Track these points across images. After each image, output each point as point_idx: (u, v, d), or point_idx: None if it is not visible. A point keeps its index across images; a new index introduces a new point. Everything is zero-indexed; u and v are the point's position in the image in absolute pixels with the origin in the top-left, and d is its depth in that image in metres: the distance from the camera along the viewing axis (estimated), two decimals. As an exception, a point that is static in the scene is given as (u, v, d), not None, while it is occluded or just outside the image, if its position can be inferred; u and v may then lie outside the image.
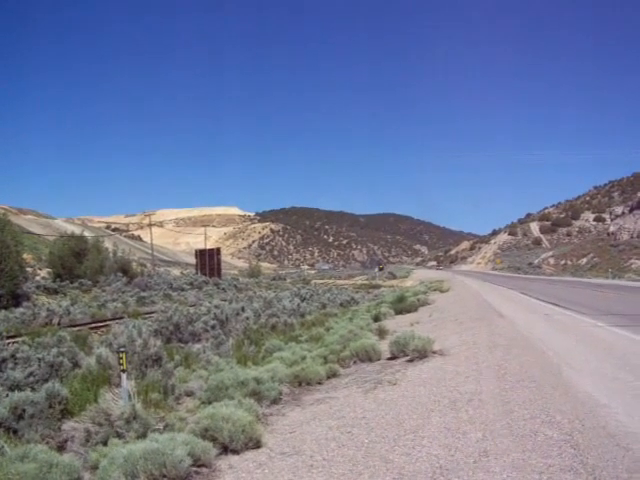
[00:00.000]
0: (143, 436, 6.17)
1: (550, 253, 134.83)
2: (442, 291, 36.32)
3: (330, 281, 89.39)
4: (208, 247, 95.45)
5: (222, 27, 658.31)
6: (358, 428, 6.23)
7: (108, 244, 63.11)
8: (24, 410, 7.34)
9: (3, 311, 26.39)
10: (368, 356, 11.04)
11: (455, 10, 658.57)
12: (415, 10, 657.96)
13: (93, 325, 22.62)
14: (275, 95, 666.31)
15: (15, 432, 7.15)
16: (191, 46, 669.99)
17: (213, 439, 5.82)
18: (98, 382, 8.94)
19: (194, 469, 5.23)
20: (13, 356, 10.91)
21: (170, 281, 55.32)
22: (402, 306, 22.85)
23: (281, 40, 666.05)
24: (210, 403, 7.32)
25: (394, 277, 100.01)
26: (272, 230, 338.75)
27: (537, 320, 15.83)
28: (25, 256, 44.75)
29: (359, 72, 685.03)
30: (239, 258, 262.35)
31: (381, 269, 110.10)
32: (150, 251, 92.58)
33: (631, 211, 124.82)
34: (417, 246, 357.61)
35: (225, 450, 5.85)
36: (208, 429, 5.97)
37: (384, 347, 11.58)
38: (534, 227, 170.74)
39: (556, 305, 20.96)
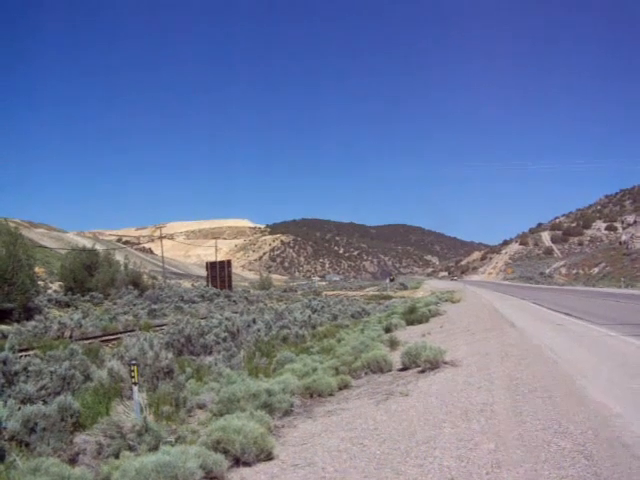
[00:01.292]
0: (155, 449, 6.17)
1: (562, 262, 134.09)
2: (453, 302, 36.15)
3: (341, 292, 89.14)
4: (219, 259, 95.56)
5: (232, 39, 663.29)
6: (370, 439, 6.21)
7: (119, 257, 63.35)
8: (36, 423, 7.37)
9: (15, 324, 26.54)
10: (379, 367, 11.01)
11: (464, 21, 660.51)
12: (426, 20, 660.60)
13: (104, 338, 22.64)
14: (285, 107, 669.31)
15: (27, 445, 7.18)
16: (201, 57, 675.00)
17: (225, 451, 5.82)
18: (110, 395, 8.98)
19: (206, 482, 5.23)
20: (25, 369, 10.95)
21: (181, 293, 55.36)
22: (413, 317, 22.76)
23: (291, 51, 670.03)
24: (222, 415, 7.32)
25: (405, 288, 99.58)
26: (283, 242, 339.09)
27: (549, 330, 15.73)
28: (37, 270, 45.00)
29: (368, 82, 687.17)
30: (250, 270, 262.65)
31: (392, 280, 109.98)
32: (161, 264, 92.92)
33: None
34: (428, 257, 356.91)
35: (237, 462, 5.84)
36: (220, 441, 5.96)
37: (395, 358, 11.55)
38: (545, 237, 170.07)
39: (568, 315, 20.82)
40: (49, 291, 49.65)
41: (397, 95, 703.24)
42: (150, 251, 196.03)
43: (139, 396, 7.16)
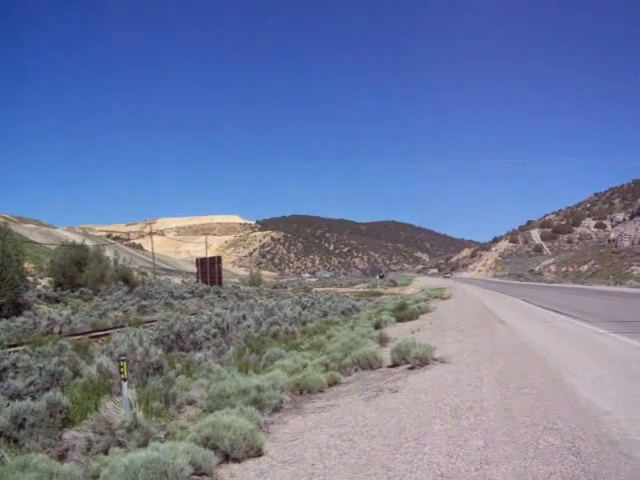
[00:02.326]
0: (144, 445, 6.14)
1: (551, 260, 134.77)
2: (443, 298, 36.30)
3: (331, 289, 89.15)
4: (209, 255, 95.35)
5: (222, 37, 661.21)
6: (359, 436, 6.21)
7: (109, 253, 63.07)
8: (25, 419, 7.32)
9: (4, 320, 26.38)
10: (369, 364, 11.02)
11: (458, 19, 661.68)
12: (419, 18, 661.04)
13: (94, 334, 22.56)
14: (276, 103, 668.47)
15: (16, 441, 7.13)
16: (191, 55, 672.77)
17: (214, 448, 5.80)
18: (99, 391, 8.94)
19: (195, 478, 5.21)
20: (14, 365, 10.89)
21: (171, 289, 55.21)
22: (403, 314, 22.81)
23: (282, 48, 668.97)
24: (211, 411, 7.30)
25: (395, 285, 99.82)
26: (273, 238, 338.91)
27: (538, 327, 15.80)
28: (26, 265, 44.73)
29: (360, 80, 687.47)
30: (240, 266, 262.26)
31: (382, 277, 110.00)
32: (151, 260, 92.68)
33: (632, 218, 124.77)
34: (418, 254, 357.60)
35: (226, 458, 5.83)
36: (209, 437, 5.95)
37: (385, 355, 11.56)
38: (535, 234, 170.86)
39: (557, 312, 20.93)
40: (38, 287, 49.41)
41: (389, 92, 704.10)
42: (140, 247, 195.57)
43: (128, 392, 7.14)
